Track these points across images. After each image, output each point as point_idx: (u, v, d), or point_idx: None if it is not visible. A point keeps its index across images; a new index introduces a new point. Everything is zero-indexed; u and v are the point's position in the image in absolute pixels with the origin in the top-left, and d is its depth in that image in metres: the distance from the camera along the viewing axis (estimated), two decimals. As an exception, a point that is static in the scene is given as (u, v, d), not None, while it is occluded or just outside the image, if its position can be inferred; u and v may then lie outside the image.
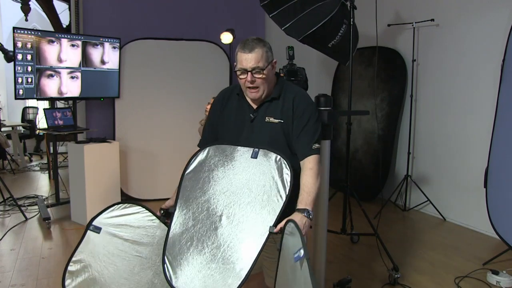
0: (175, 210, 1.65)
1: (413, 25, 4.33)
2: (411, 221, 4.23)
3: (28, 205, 4.53)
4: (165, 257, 1.56)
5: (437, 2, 4.24)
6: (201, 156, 1.72)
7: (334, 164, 4.36)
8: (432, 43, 4.32)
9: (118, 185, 4.23)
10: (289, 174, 1.57)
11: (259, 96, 1.73)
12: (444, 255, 3.36)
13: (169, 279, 1.52)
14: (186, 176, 1.70)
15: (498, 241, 3.38)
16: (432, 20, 4.19)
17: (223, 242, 1.53)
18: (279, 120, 1.75)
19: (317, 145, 1.73)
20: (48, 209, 4.16)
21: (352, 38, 3.26)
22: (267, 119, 1.77)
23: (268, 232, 1.50)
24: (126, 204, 1.71)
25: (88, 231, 1.66)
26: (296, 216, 1.54)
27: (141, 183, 4.77)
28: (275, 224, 1.51)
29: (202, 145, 1.90)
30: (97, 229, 1.66)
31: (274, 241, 1.80)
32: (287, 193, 1.55)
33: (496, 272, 2.88)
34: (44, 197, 4.80)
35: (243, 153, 1.67)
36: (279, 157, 1.61)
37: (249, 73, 1.68)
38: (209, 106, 2.82)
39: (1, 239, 3.59)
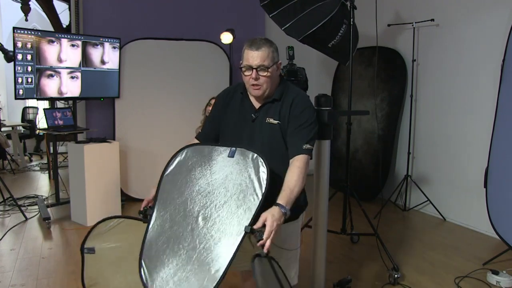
0: (152, 212, 1.63)
1: (413, 25, 4.33)
2: (411, 221, 4.23)
3: (28, 205, 4.53)
4: (142, 261, 1.53)
5: (437, 2, 4.24)
6: (180, 157, 1.71)
7: (334, 164, 4.36)
8: (432, 43, 4.32)
9: (118, 185, 4.23)
10: (265, 171, 1.55)
11: (262, 93, 1.76)
12: (444, 255, 3.36)
13: (144, 282, 1.48)
14: (165, 178, 1.68)
15: (498, 241, 3.38)
16: (432, 20, 4.19)
17: (199, 243, 1.49)
18: (278, 122, 1.78)
19: (308, 146, 1.72)
20: (48, 209, 4.15)
21: (352, 38, 3.26)
22: (267, 120, 1.79)
23: (243, 232, 1.46)
24: (105, 222, 1.74)
25: (85, 255, 1.72)
26: (274, 210, 1.52)
27: (141, 183, 4.77)
28: (251, 224, 1.48)
29: (200, 138, 1.94)
30: (91, 250, 1.71)
31: None
32: (263, 191, 1.52)
33: (496, 272, 2.88)
34: (44, 197, 4.80)
35: (220, 152, 1.66)
36: (255, 155, 1.60)
37: (254, 70, 1.71)
38: (210, 108, 2.83)
39: (1, 239, 3.59)
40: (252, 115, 1.81)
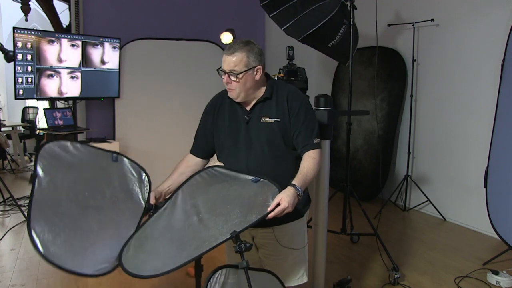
0: (162, 205, 1.67)
1: (413, 25, 4.33)
2: (411, 221, 4.23)
3: (28, 205, 4.53)
4: (130, 240, 1.55)
5: (437, 2, 4.24)
6: (205, 172, 1.78)
7: (334, 164, 4.36)
8: (432, 43, 4.31)
9: (118, 185, 4.22)
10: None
11: (235, 96, 1.77)
12: (444, 255, 3.36)
13: (121, 258, 1.49)
14: (188, 184, 1.74)
15: (498, 241, 3.38)
16: (432, 20, 4.19)
17: (185, 236, 1.52)
18: (275, 119, 1.77)
19: (318, 139, 1.77)
20: (48, 209, 4.15)
21: (352, 38, 3.26)
22: (262, 119, 1.78)
23: (229, 235, 1.45)
24: None
25: None
26: (289, 190, 1.57)
27: (141, 183, 4.76)
28: (240, 231, 1.46)
29: (194, 152, 1.96)
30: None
31: (275, 238, 1.80)
32: (263, 214, 1.55)
33: (496, 272, 2.88)
34: (44, 197, 4.80)
35: (245, 177, 1.70)
36: (276, 188, 1.62)
37: (226, 74, 1.73)
38: None
39: (1, 239, 3.60)
40: (245, 117, 1.80)
